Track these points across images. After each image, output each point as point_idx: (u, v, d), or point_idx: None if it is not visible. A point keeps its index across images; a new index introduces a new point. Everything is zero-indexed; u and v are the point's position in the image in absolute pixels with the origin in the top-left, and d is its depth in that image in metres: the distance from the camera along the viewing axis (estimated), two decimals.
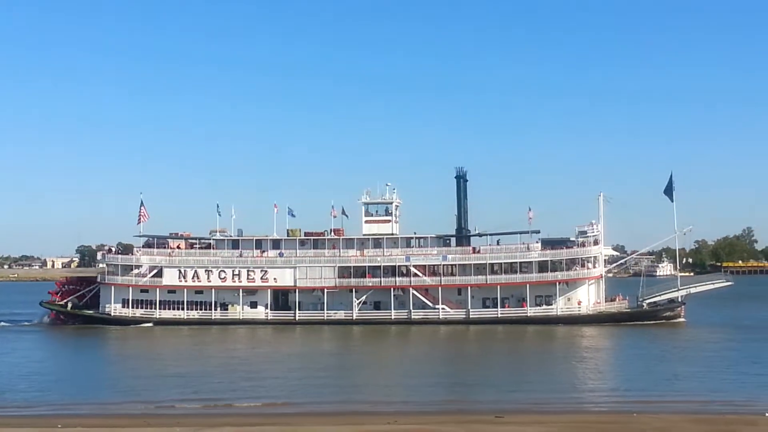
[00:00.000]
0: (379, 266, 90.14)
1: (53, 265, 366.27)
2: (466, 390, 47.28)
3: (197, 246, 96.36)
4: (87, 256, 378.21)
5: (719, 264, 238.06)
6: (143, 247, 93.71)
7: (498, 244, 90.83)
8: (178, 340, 79.63)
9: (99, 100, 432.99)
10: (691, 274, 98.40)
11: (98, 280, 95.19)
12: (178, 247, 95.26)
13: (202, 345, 75.23)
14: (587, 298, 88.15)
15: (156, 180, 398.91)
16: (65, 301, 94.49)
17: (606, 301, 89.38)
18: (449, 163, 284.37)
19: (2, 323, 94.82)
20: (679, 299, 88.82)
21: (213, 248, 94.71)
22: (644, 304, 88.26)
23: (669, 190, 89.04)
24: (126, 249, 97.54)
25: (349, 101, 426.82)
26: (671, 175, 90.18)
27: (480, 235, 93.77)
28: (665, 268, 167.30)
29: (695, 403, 40.84)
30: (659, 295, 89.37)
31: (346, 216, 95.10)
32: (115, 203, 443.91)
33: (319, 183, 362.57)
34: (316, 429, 33.40)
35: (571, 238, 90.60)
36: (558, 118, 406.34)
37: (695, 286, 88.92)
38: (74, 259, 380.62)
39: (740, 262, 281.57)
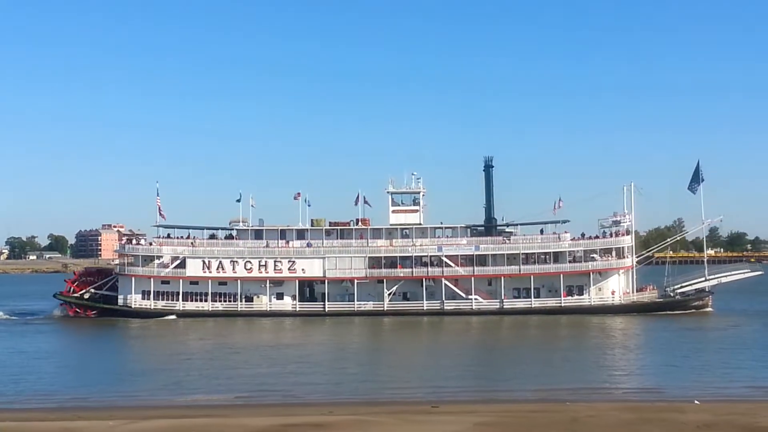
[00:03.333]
0: (410, 256, 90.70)
1: None
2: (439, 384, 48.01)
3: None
4: (17, 248, 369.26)
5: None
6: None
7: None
8: (196, 332, 79.98)
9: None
10: None
11: (116, 271, 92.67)
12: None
13: (218, 337, 76.17)
14: (618, 288, 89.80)
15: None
16: (82, 292, 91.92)
17: (636, 291, 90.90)
18: (470, 153, 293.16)
19: (7, 317, 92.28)
20: (707, 289, 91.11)
21: (235, 238, 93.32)
22: (674, 294, 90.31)
23: (696, 180, 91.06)
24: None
25: (364, 96, 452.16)
26: (698, 165, 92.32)
27: (508, 225, 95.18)
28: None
29: (634, 392, 43.84)
30: (687, 285, 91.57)
31: (369, 205, 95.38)
32: (48, 196, 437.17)
33: (336, 174, 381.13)
34: (249, 420, 34.03)
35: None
36: (582, 111, 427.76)
37: (725, 276, 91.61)
38: (3, 250, 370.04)
39: (671, 252, 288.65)
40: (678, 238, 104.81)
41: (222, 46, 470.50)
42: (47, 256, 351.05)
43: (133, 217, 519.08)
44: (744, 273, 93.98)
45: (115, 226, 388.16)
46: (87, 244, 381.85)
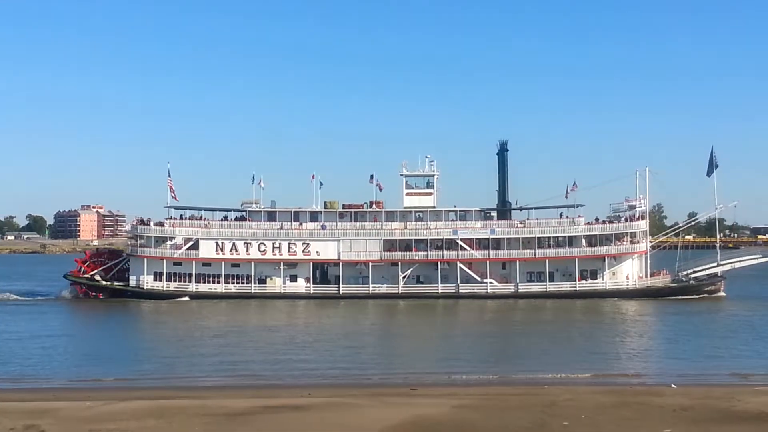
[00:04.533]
0: (425, 239, 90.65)
1: None
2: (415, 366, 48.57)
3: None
4: None
5: None
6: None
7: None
8: (204, 314, 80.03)
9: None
10: None
11: (127, 252, 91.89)
12: None
13: (225, 319, 76.37)
14: (632, 273, 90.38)
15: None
16: (92, 273, 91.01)
17: (649, 276, 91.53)
18: (483, 137, 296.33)
19: (15, 296, 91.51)
20: (720, 274, 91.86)
21: (247, 220, 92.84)
22: (687, 279, 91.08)
23: (711, 166, 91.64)
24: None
25: (378, 80, 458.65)
26: (712, 151, 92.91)
27: (521, 208, 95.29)
28: None
29: (616, 376, 44.46)
30: (700, 270, 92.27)
31: (379, 189, 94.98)
32: (27, 175, 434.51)
33: (348, 157, 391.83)
34: (228, 402, 34.25)
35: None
36: (598, 95, 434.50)
37: (738, 261, 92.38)
38: None
39: (651, 238, 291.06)
40: (693, 223, 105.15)
41: (233, 30, 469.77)
42: (25, 236, 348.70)
43: (112, 198, 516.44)
44: (756, 258, 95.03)
45: (93, 207, 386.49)
46: (66, 225, 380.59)
